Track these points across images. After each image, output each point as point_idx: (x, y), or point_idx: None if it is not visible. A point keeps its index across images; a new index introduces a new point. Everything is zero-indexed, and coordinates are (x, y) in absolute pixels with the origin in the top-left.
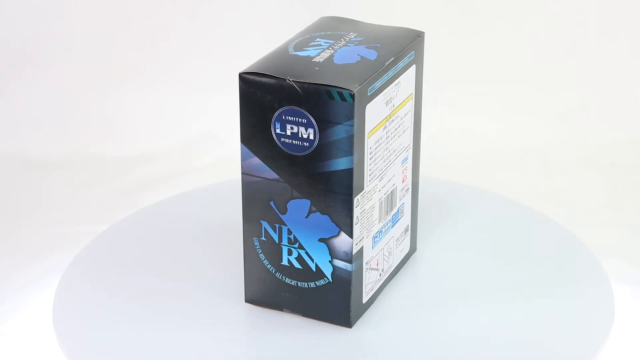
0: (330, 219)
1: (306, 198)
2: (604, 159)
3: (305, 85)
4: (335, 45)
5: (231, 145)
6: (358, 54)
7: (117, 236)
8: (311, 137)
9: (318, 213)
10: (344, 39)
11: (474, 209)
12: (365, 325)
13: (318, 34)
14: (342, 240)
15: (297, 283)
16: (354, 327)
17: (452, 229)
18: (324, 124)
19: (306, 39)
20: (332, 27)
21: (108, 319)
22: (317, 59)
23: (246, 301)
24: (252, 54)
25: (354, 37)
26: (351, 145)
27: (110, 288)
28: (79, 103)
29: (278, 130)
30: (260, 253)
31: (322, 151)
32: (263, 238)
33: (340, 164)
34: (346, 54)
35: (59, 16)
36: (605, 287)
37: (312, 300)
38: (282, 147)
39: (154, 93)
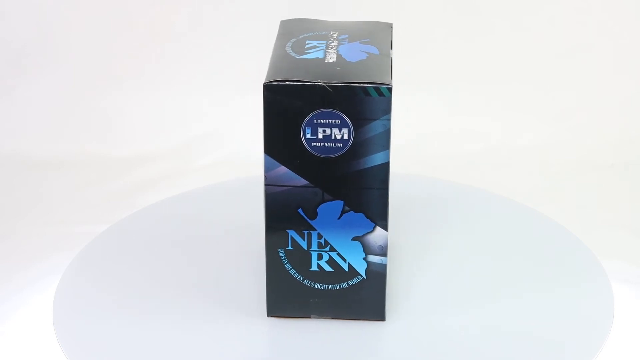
0: (365, 215)
1: (339, 199)
2: (604, 159)
3: (339, 85)
4: (331, 45)
5: (231, 145)
6: (361, 51)
7: (117, 236)
8: (345, 137)
9: (352, 212)
10: (333, 38)
11: (473, 209)
12: (395, 316)
13: (303, 36)
14: (377, 235)
15: (327, 286)
16: (387, 320)
17: (451, 228)
18: (359, 121)
19: (296, 42)
20: (309, 29)
21: (108, 319)
22: (328, 60)
23: (269, 315)
24: (252, 54)
25: (340, 36)
26: (388, 139)
27: (110, 288)
28: (79, 103)
29: (309, 135)
30: (286, 263)
31: (357, 149)
32: (290, 247)
33: (376, 159)
34: (351, 51)
35: (59, 16)
36: (605, 287)
37: (344, 301)
38: (313, 152)
39: (154, 93)
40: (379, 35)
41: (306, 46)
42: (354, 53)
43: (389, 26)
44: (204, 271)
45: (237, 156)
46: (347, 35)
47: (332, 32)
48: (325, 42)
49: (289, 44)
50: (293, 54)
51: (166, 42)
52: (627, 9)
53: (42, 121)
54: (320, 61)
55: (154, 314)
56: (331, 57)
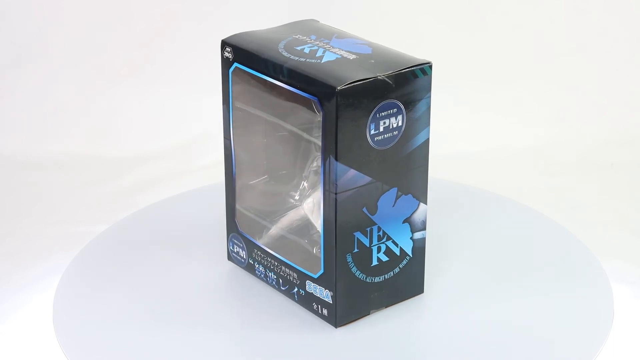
0: (413, 195)
1: (393, 187)
2: (604, 159)
3: (394, 74)
4: (322, 46)
5: None
6: (360, 44)
7: (117, 236)
8: (399, 123)
9: (402, 196)
10: (316, 40)
11: (473, 209)
12: (430, 291)
13: (284, 43)
14: (420, 212)
15: (384, 277)
16: (425, 292)
17: (450, 228)
18: (409, 105)
19: (289, 50)
20: (275, 38)
21: (108, 319)
22: (350, 57)
23: (338, 326)
24: None
25: (310, 37)
26: (429, 115)
27: (110, 288)
28: (79, 103)
29: (372, 131)
30: (352, 267)
31: (407, 133)
32: (355, 250)
33: (420, 138)
34: (351, 47)
35: (59, 16)
36: (605, 287)
37: (396, 285)
38: (375, 146)
39: (154, 93)
40: (332, 30)
41: (305, 51)
42: (355, 47)
43: (318, 21)
44: (204, 271)
45: None
46: (314, 37)
47: (295, 36)
48: (312, 44)
49: (283, 53)
50: (311, 60)
51: (166, 43)
52: (627, 9)
53: (42, 121)
54: (345, 60)
55: (154, 314)
56: (346, 55)
